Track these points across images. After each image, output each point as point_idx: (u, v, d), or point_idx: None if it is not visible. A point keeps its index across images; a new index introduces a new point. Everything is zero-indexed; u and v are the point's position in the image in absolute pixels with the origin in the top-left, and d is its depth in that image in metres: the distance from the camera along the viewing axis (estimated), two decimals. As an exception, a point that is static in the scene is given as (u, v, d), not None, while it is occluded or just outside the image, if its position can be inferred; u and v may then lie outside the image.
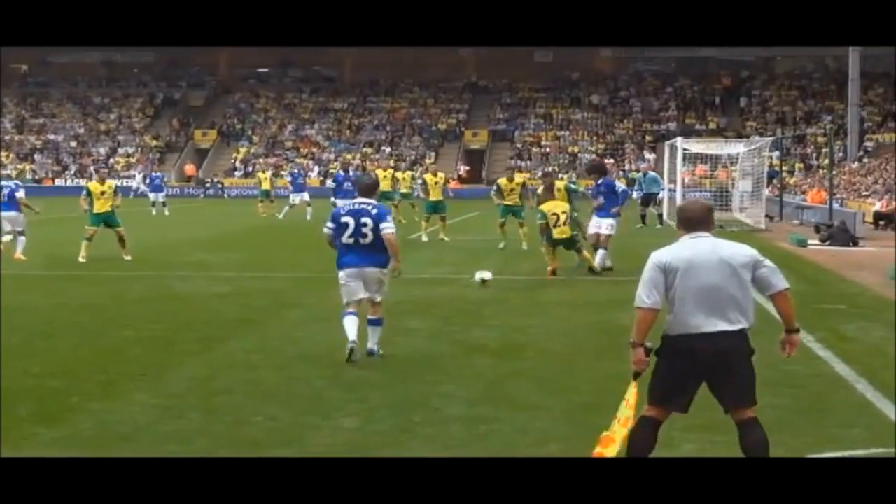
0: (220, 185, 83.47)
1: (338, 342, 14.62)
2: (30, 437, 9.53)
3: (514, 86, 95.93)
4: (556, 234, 22.83)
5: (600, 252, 23.96)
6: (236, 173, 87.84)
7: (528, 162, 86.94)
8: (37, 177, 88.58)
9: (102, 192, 26.58)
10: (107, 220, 26.40)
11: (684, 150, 44.81)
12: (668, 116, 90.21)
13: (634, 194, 42.49)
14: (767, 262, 8.21)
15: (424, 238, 32.87)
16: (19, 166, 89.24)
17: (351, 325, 13.46)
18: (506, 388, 11.86)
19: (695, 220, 8.28)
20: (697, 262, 8.07)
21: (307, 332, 15.67)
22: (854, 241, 32.45)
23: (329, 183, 47.61)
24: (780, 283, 8.20)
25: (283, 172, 74.58)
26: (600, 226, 24.29)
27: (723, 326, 7.99)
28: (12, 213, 27.33)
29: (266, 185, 51.28)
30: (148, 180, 59.26)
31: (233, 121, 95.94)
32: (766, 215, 44.45)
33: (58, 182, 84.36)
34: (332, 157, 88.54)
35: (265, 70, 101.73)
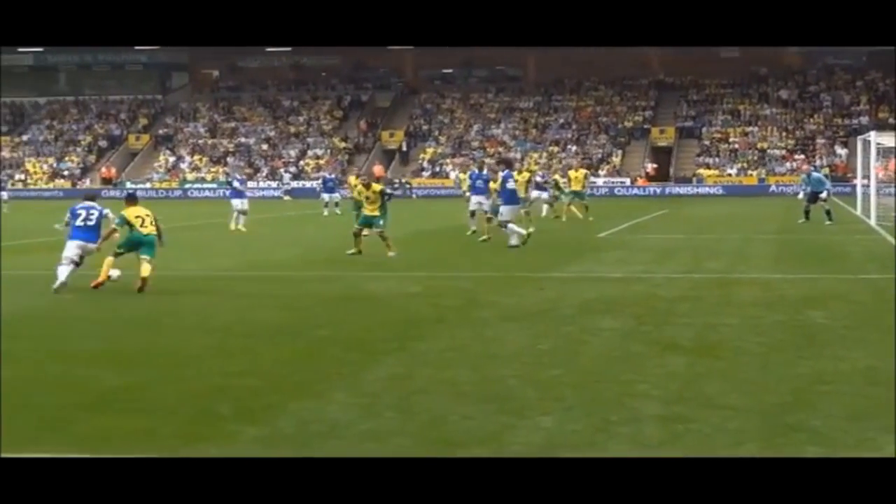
0: (408, 186, 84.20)
1: (529, 342, 14.66)
2: (232, 436, 9.69)
3: (700, 82, 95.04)
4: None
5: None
6: (424, 173, 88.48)
7: (717, 158, 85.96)
8: (229, 179, 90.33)
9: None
10: (370, 221, 28.38)
11: (877, 144, 43.84)
12: (860, 111, 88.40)
13: (801, 194, 42.39)
14: None
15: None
16: (213, 170, 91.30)
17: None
18: (701, 387, 11.73)
19: None
20: None
21: (498, 331, 15.68)
22: None
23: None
24: None
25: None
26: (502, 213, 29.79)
27: None
28: (243, 199, 40.14)
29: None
30: (321, 181, 60.27)
31: (419, 121, 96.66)
32: (965, 210, 43.33)
33: (250, 184, 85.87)
34: (518, 156, 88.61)
35: (450, 71, 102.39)
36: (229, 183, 45.74)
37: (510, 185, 30.27)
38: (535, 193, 41.17)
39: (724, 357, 13.51)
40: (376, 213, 27.92)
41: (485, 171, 37.43)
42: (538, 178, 46.59)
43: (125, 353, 14.11)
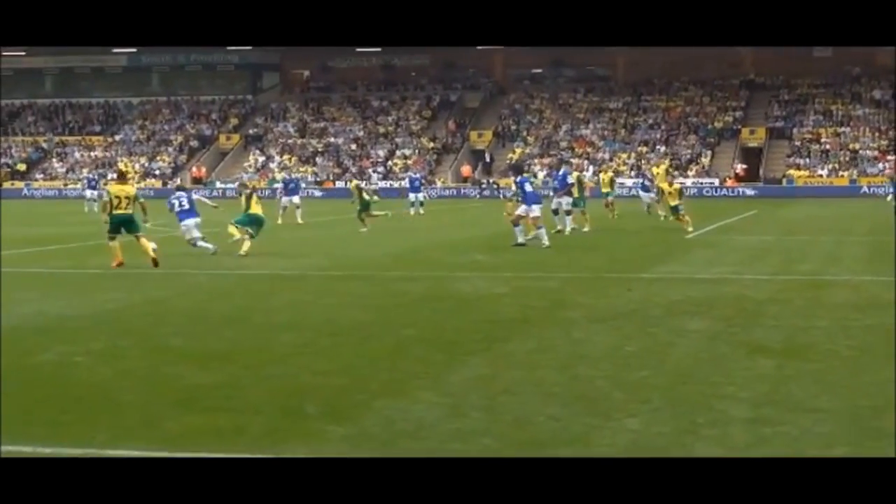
0: (495, 186, 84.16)
1: (617, 343, 14.60)
2: (319, 434, 9.74)
3: (792, 82, 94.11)
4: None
5: (540, 230, 30.81)
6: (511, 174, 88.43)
7: (807, 159, 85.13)
8: (318, 179, 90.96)
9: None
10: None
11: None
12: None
13: (889, 197, 42.04)
14: None
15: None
16: (302, 169, 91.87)
17: None
18: (790, 389, 11.63)
19: None
20: None
21: (586, 332, 15.64)
22: None
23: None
24: None
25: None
26: (527, 211, 30.83)
27: None
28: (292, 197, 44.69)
29: (607, 188, 48.47)
30: (408, 181, 60.47)
31: (508, 122, 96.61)
32: None
33: (338, 184, 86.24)
34: (606, 156, 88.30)
35: (539, 71, 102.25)
36: (285, 183, 48.03)
37: (528, 187, 31.72)
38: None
39: (813, 360, 13.38)
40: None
41: (561, 170, 38.00)
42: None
43: (214, 350, 14.25)
